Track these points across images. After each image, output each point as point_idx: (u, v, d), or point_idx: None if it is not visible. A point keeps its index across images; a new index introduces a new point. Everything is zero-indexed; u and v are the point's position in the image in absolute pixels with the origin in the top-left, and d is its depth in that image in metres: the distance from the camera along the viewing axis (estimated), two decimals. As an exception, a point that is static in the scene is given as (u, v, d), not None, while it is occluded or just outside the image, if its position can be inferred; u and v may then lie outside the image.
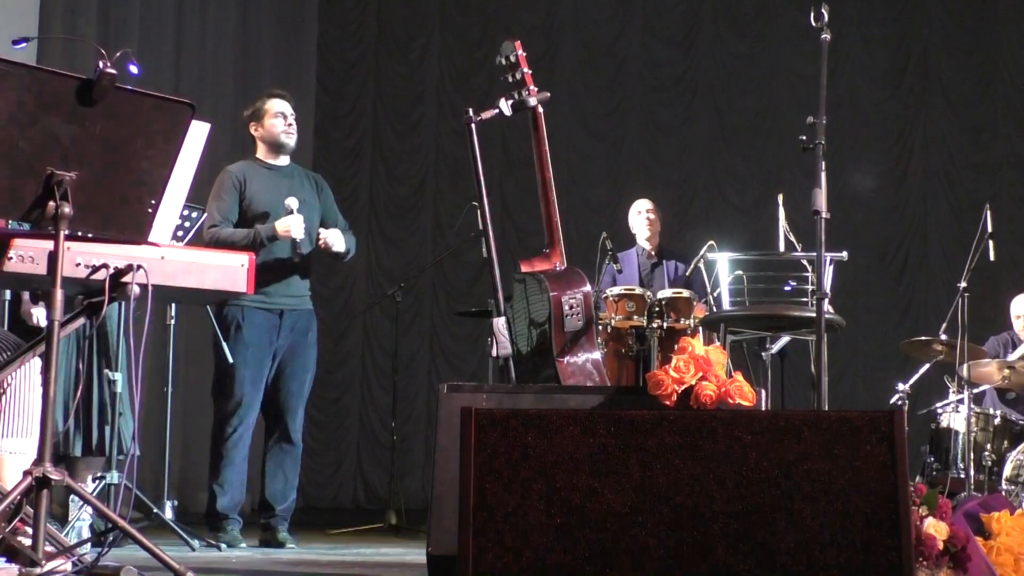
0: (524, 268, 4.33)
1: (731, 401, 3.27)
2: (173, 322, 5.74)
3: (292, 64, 9.98)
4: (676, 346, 3.70)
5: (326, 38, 10.50)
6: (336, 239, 5.67)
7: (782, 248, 5.96)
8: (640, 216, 7.26)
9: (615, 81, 10.58)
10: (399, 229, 10.47)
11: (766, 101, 10.37)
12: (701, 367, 3.30)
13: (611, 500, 2.83)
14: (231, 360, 5.41)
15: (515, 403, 3.43)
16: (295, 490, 5.76)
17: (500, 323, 4.10)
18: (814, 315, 4.22)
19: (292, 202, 5.49)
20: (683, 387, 3.31)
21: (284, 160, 5.75)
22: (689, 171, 10.43)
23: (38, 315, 4.96)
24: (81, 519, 4.95)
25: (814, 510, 2.83)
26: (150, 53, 8.36)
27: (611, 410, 3.02)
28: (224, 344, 5.41)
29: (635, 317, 6.14)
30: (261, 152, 5.71)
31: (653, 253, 7.22)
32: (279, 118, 5.67)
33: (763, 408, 3.43)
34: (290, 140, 5.67)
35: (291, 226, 5.46)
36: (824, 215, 4.06)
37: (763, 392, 3.42)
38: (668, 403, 3.31)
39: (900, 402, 6.89)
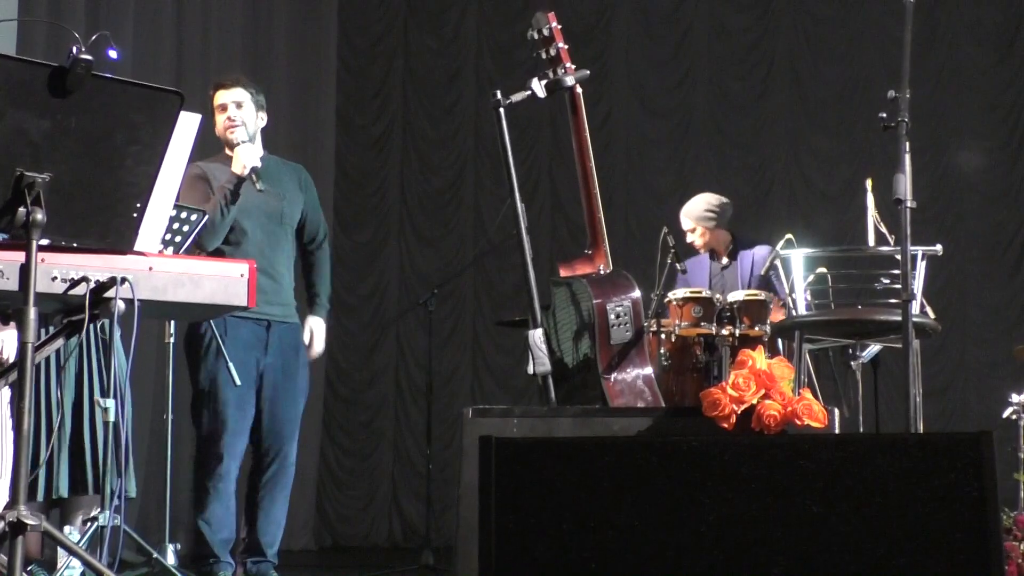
0: (564, 272, 4.33)
1: (799, 422, 3.24)
2: (172, 339, 5.76)
3: (309, 42, 10.02)
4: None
5: (348, 10, 10.52)
6: (319, 343, 5.86)
7: (871, 241, 5.89)
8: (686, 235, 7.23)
9: (680, 51, 10.52)
10: (435, 227, 10.48)
11: (855, 71, 10.27)
12: (764, 384, 3.27)
13: (655, 541, 2.80)
14: (237, 383, 5.42)
15: (551, 428, 3.42)
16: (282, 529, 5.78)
17: (537, 336, 4.10)
18: (899, 319, 4.16)
19: (240, 135, 5.57)
20: (743, 407, 3.28)
21: None
22: (766, 153, 10.35)
23: (4, 341, 4.98)
24: (71, 567, 4.98)
25: (890, 550, 2.79)
26: (147, 35, 8.44)
27: (653, 437, 2.99)
28: (230, 364, 5.43)
29: (703, 324, 6.09)
30: (227, 149, 5.73)
31: (724, 257, 7.15)
32: (219, 112, 5.69)
33: (836, 429, 3.40)
34: (233, 137, 5.61)
35: (243, 157, 5.48)
36: (909, 204, 4.02)
37: (835, 411, 3.38)
38: (726, 426, 3.28)
39: (1015, 416, 6.79)
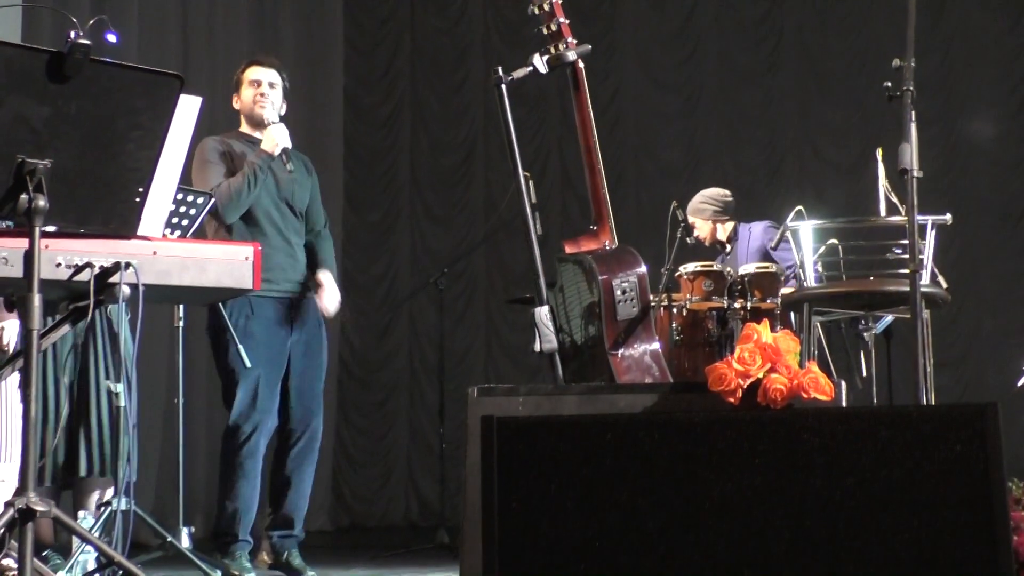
0: (569, 249, 4.32)
1: (805, 396, 3.21)
2: (182, 323, 5.76)
3: (315, 23, 9.99)
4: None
5: (353, -9, 10.50)
6: (332, 300, 5.77)
7: (882, 212, 5.86)
8: None
9: (688, 25, 10.47)
10: (446, 206, 10.46)
11: (864, 41, 10.20)
12: (769, 357, 3.24)
13: (658, 519, 2.79)
14: (247, 364, 5.43)
15: (556, 406, 3.40)
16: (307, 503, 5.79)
17: (543, 313, 4.09)
18: (907, 290, 4.14)
19: (270, 114, 5.63)
20: (749, 381, 3.26)
21: None
22: (777, 126, 10.31)
23: (8, 330, 4.97)
24: (85, 551, 4.98)
25: (895, 525, 2.76)
26: (152, 19, 8.42)
27: (654, 414, 2.97)
28: (240, 347, 5.44)
29: (714, 297, 6.09)
30: (245, 127, 5.78)
31: (727, 244, 7.18)
32: (252, 87, 5.73)
33: (843, 402, 3.38)
34: (263, 112, 5.68)
35: (275, 136, 5.55)
36: (916, 174, 3.98)
37: (843, 384, 3.36)
38: (732, 400, 3.25)
39: (1031, 385, 6.77)
